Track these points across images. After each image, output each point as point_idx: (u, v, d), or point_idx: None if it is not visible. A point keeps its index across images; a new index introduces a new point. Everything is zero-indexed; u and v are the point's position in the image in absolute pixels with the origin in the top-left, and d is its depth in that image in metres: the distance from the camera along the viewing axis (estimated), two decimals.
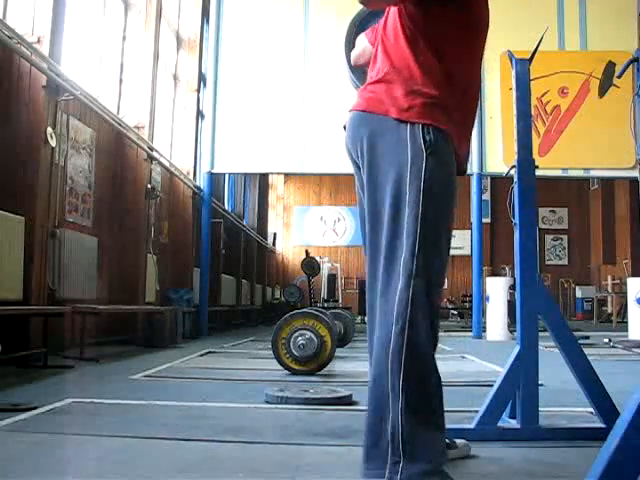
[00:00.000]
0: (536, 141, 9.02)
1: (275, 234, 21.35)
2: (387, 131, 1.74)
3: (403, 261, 1.65)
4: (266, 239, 19.13)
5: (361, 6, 1.82)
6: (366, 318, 1.93)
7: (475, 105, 1.94)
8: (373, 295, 1.79)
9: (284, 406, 3.08)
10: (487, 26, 1.90)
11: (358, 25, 2.24)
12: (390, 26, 1.82)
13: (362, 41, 2.14)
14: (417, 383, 1.61)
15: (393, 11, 1.81)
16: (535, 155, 2.57)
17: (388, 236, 1.70)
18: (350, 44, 2.18)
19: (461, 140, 1.84)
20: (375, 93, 1.80)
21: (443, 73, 1.76)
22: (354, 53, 2.21)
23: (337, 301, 14.85)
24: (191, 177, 10.38)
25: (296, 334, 4.47)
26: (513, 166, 2.58)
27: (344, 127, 1.91)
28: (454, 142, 1.78)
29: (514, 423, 2.47)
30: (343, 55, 2.25)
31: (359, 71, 2.17)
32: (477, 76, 1.92)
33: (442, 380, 1.71)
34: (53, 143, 5.32)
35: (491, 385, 2.56)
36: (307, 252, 13.89)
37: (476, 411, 2.48)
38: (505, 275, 14.69)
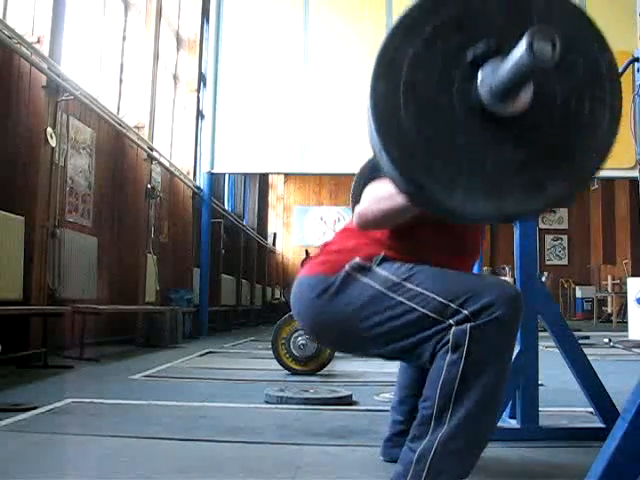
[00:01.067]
0: None
1: (275, 234, 21.33)
2: (334, 290, 1.63)
3: (454, 320, 1.47)
4: (266, 239, 19.12)
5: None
6: None
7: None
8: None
9: (284, 406, 3.08)
10: (479, 231, 1.82)
11: (366, 178, 2.10)
12: None
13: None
14: (469, 418, 1.45)
15: None
16: None
17: (416, 334, 1.52)
18: (356, 198, 2.04)
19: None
20: (331, 258, 1.71)
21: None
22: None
23: None
24: (191, 177, 10.38)
25: (296, 334, 4.47)
26: None
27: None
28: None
29: (514, 423, 2.47)
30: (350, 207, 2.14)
31: None
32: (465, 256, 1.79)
33: None
34: (53, 143, 5.32)
35: None
36: (307, 252, 13.76)
37: None
38: (505, 275, 14.68)
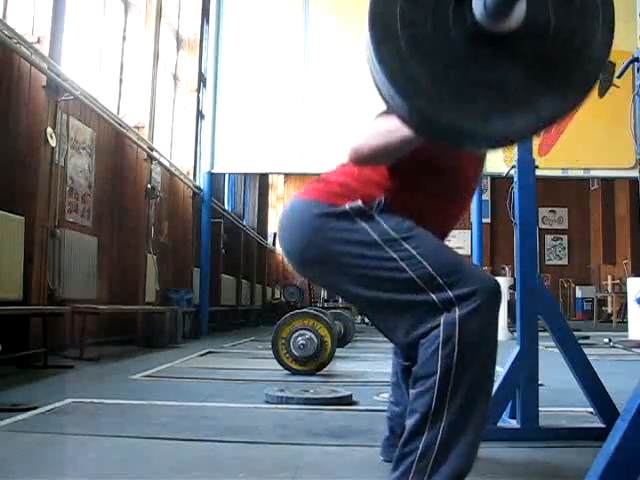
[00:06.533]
0: (536, 141, 9.01)
1: (275, 234, 21.33)
2: (335, 218, 1.64)
3: (437, 297, 1.50)
4: (266, 239, 19.12)
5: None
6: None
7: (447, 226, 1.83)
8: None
9: (284, 406, 3.08)
10: (474, 177, 1.83)
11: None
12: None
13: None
14: (465, 407, 1.48)
15: None
16: (535, 155, 2.57)
17: (399, 294, 1.56)
18: None
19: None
20: (332, 189, 1.71)
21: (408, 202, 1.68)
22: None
23: (337, 301, 14.82)
24: (191, 177, 10.39)
25: (296, 334, 4.47)
26: (513, 166, 2.58)
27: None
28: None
29: (514, 423, 2.47)
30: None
31: None
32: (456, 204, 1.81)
33: None
34: (53, 143, 5.32)
35: None
36: None
37: None
38: (505, 275, 14.69)
